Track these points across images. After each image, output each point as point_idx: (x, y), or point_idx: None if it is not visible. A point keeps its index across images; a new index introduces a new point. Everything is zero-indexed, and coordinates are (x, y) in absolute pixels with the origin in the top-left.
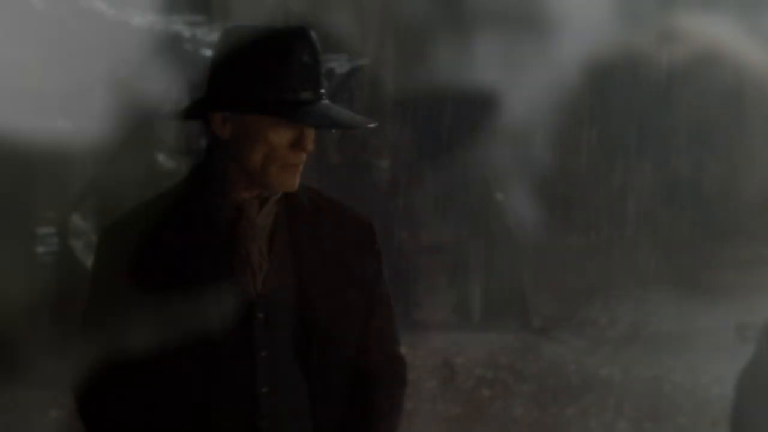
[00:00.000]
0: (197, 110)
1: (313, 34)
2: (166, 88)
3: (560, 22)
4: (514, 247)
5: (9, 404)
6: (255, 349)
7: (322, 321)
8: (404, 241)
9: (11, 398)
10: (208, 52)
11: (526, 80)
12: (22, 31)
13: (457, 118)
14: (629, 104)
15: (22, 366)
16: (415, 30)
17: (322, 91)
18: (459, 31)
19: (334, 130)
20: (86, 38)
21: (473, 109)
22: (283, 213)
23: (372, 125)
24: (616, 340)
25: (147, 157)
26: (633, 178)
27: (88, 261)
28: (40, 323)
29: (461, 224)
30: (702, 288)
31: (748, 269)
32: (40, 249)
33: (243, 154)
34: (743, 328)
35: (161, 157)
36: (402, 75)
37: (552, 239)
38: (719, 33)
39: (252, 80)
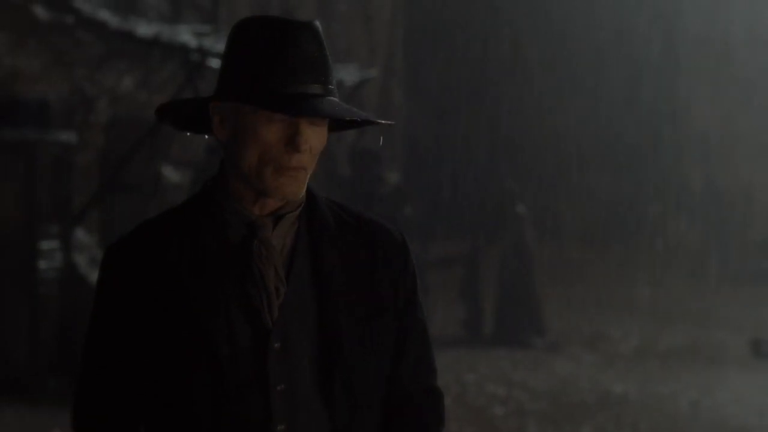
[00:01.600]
0: (197, 114)
1: (318, 28)
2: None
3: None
4: (527, 260)
5: (12, 423)
6: (270, 383)
7: (347, 351)
8: (414, 255)
9: (15, 417)
10: (214, 63)
11: (533, 92)
12: (25, 41)
13: (472, 127)
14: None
15: (25, 385)
16: (425, 38)
17: (330, 86)
18: (472, 43)
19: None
20: (90, 48)
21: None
22: (304, 231)
23: (370, 120)
24: (630, 356)
25: (152, 170)
26: (647, 191)
27: (92, 276)
28: (42, 341)
29: (473, 237)
30: (714, 301)
31: (762, 283)
32: (42, 264)
33: (239, 155)
34: (758, 344)
35: (166, 170)
36: (413, 84)
37: (564, 253)
38: None
39: (244, 70)
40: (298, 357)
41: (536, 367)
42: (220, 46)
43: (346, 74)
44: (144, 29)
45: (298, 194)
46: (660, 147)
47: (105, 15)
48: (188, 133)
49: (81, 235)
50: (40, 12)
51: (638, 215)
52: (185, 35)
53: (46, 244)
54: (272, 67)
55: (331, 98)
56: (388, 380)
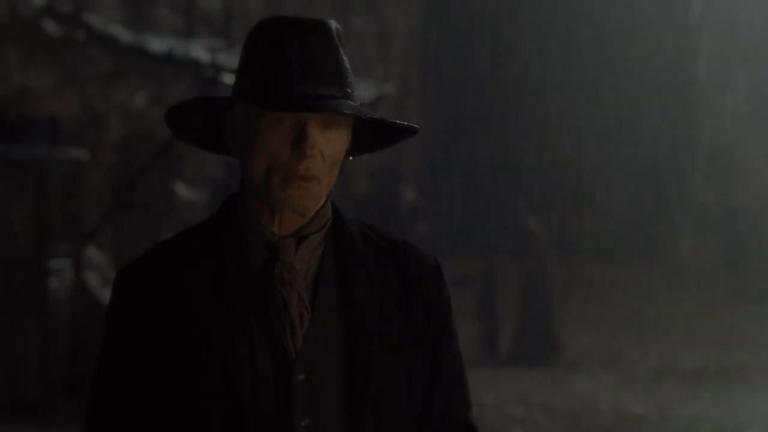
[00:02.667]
0: (212, 128)
1: (331, 26)
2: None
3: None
4: (544, 278)
5: None
6: (294, 418)
7: (377, 384)
8: None
9: None
10: (228, 78)
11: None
12: (35, 57)
13: (488, 145)
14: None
15: (35, 406)
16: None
17: (346, 89)
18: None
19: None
20: (102, 64)
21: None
22: (330, 253)
23: (391, 127)
24: (649, 375)
25: (165, 187)
26: (662, 208)
27: (104, 296)
28: (53, 362)
29: (490, 255)
30: (732, 320)
31: None
32: (53, 284)
33: (248, 166)
34: None
35: (179, 187)
36: (429, 101)
37: (580, 271)
38: None
39: (251, 71)
40: (324, 389)
41: (555, 387)
42: (234, 61)
43: (363, 90)
44: (156, 45)
45: (310, 207)
46: (675, 165)
47: (117, 30)
48: (206, 152)
49: (92, 253)
50: (51, 28)
51: (654, 233)
52: (198, 51)
53: (56, 263)
54: (278, 66)
55: (345, 101)
56: (419, 415)
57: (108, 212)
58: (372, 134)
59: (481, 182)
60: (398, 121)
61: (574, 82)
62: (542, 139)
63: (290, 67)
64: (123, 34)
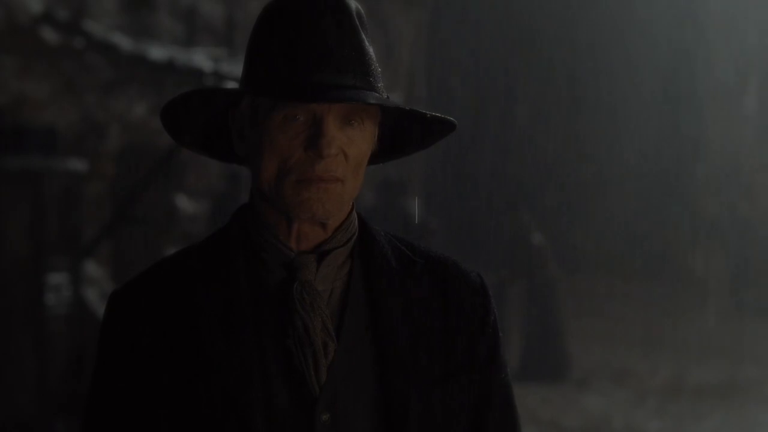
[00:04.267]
0: (217, 132)
1: (351, 7)
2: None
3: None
4: (552, 293)
5: None
6: None
7: (414, 424)
8: None
9: None
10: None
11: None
12: (33, 65)
13: (494, 156)
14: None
15: (32, 427)
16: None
17: (369, 78)
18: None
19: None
20: (100, 74)
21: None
22: (358, 272)
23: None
24: (661, 391)
25: (165, 200)
26: (669, 221)
27: (103, 312)
28: (50, 380)
29: (497, 270)
30: (742, 335)
31: None
32: (50, 299)
33: (258, 169)
34: None
35: (181, 200)
36: (435, 111)
37: (587, 285)
38: None
39: (257, 60)
40: (352, 431)
41: (566, 404)
42: (237, 70)
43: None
44: (157, 53)
45: (333, 213)
46: (682, 176)
47: (116, 38)
48: (211, 159)
49: (91, 268)
50: (49, 35)
51: (661, 246)
52: (200, 59)
53: (54, 278)
54: (289, 52)
55: (367, 91)
56: None
57: (107, 225)
58: (401, 133)
59: (489, 195)
60: (434, 113)
61: (579, 91)
62: (549, 150)
63: (304, 53)
64: (123, 41)
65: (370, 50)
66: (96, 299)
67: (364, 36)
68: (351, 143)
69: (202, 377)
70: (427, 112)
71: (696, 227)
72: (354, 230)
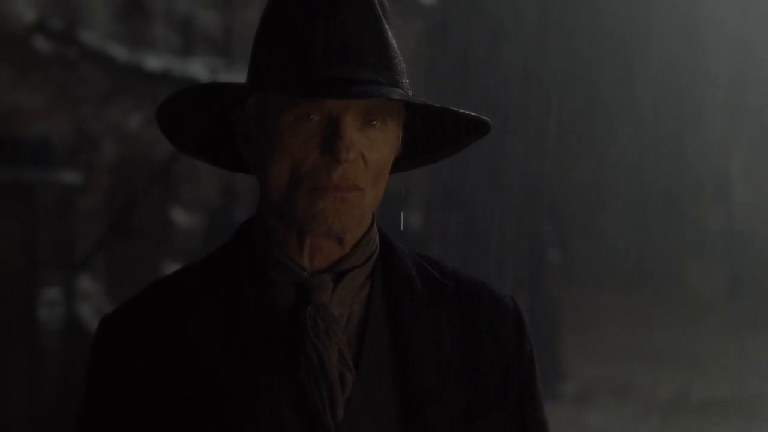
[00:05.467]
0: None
1: None
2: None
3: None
4: (552, 307)
5: None
6: None
7: None
8: None
9: None
10: None
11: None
12: (26, 75)
13: (496, 169)
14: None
15: None
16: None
17: (392, 73)
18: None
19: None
20: (95, 84)
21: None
22: (378, 295)
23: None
24: (664, 407)
25: (161, 213)
26: (668, 234)
27: None
28: (43, 398)
29: (500, 284)
30: (743, 348)
31: None
32: (43, 314)
33: (266, 178)
34: None
35: (177, 213)
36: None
37: (587, 298)
38: None
39: (266, 53)
40: None
41: (569, 420)
42: (235, 80)
43: None
44: (153, 63)
45: (351, 227)
46: (680, 190)
47: (111, 48)
48: (214, 166)
49: (86, 283)
50: (42, 45)
51: (660, 259)
52: (197, 69)
53: (47, 293)
54: (302, 44)
55: (391, 87)
56: None
57: (102, 239)
58: (428, 136)
59: (489, 207)
60: (468, 112)
61: (576, 103)
62: (551, 164)
63: (318, 44)
64: (118, 51)
65: (394, 42)
66: (90, 315)
67: (386, 26)
68: (372, 146)
69: (204, 413)
70: (462, 111)
71: (694, 240)
72: (375, 247)
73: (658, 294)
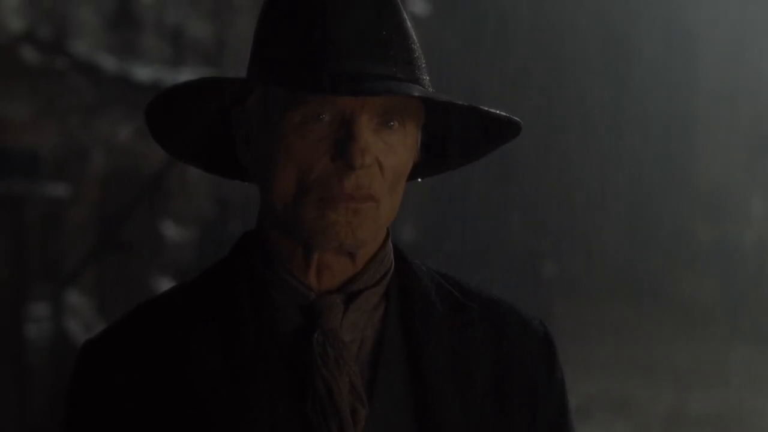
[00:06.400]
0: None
1: None
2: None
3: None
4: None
5: None
6: None
7: None
8: None
9: None
10: None
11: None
12: (13, 86)
13: (485, 182)
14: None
15: None
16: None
17: (411, 68)
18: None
19: None
20: (84, 95)
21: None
22: (394, 318)
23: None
24: (663, 422)
25: (151, 226)
26: (658, 247)
27: None
28: (31, 416)
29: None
30: (737, 362)
31: None
32: (31, 330)
33: (269, 186)
34: None
35: (167, 226)
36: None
37: (580, 311)
38: None
39: (271, 45)
40: None
41: None
42: None
43: None
44: (142, 73)
45: (364, 242)
46: (673, 202)
47: (101, 58)
48: (209, 174)
49: (74, 297)
50: (30, 55)
51: (653, 272)
52: (187, 80)
53: (35, 308)
54: (311, 35)
55: (411, 84)
56: None
57: (91, 253)
58: (447, 140)
59: (481, 219)
60: (499, 112)
61: (572, 116)
62: (542, 175)
63: (329, 35)
64: (107, 62)
65: (413, 33)
66: (79, 331)
67: (405, 16)
68: (389, 151)
69: None
70: (493, 111)
71: (688, 253)
72: (389, 264)
73: (652, 307)
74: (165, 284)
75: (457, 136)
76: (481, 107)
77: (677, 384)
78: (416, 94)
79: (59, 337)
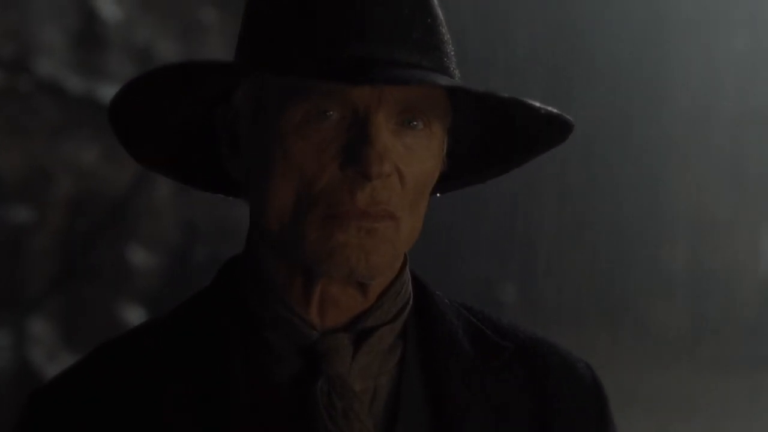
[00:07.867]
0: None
1: None
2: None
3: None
4: None
5: None
6: None
7: None
8: None
9: None
10: None
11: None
12: None
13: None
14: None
15: None
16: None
17: (438, 55)
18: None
19: None
20: (48, 116)
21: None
22: (414, 362)
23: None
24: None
25: (118, 251)
26: (627, 271)
27: (49, 374)
28: None
29: None
30: (715, 389)
31: (761, 369)
32: None
33: (262, 200)
34: None
35: (134, 252)
36: None
37: (553, 337)
38: None
39: (268, 22)
40: None
41: None
42: None
43: None
44: (109, 94)
45: (377, 269)
46: (644, 227)
47: (66, 78)
48: (186, 185)
49: (37, 326)
50: None
51: (620, 298)
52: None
53: None
54: (314, 11)
55: (438, 74)
56: None
57: (55, 279)
58: (483, 141)
59: (454, 245)
60: (549, 109)
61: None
62: (513, 199)
63: (340, 13)
64: (73, 82)
65: (441, 14)
66: (42, 360)
67: None
68: (412, 157)
69: None
70: (540, 106)
71: (658, 278)
72: (407, 296)
73: (620, 332)
74: (132, 311)
75: (498, 139)
76: (529, 102)
77: (656, 412)
78: (456, 84)
79: (21, 366)
